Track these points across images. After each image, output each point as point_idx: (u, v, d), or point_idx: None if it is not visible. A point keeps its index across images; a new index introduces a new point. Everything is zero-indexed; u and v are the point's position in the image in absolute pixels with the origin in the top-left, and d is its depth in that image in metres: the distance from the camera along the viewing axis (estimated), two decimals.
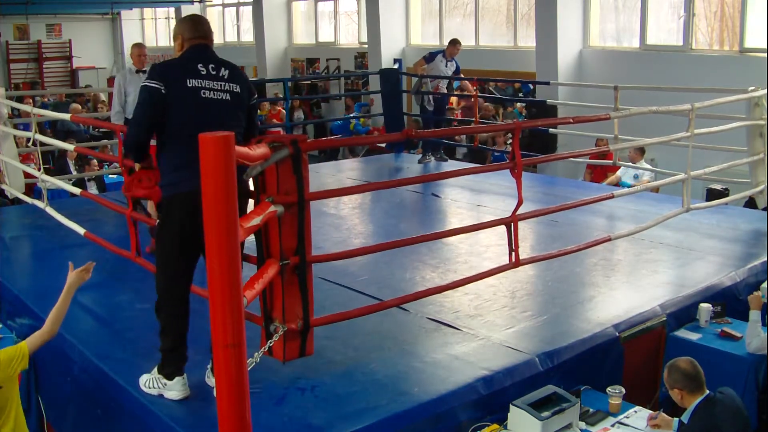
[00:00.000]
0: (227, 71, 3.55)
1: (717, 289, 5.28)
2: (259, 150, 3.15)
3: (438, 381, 3.85)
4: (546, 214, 5.42)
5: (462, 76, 10.03)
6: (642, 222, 5.96)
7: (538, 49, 12.53)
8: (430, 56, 9.78)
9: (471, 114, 11.12)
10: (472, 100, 10.31)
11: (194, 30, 3.65)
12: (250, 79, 18.42)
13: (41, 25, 23.37)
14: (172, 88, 3.44)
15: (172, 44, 3.77)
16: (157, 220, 3.59)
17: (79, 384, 4.31)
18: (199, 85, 3.46)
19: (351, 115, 15.56)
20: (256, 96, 3.76)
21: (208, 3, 21.64)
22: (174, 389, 3.62)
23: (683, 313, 4.99)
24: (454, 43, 9.80)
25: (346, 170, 9.82)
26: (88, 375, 4.19)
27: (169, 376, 3.63)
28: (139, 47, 7.02)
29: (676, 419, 3.87)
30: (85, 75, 23.01)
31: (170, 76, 3.46)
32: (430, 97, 9.70)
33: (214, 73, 3.51)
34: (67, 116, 6.26)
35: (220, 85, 3.51)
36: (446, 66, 9.69)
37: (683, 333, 4.87)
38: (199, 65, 3.50)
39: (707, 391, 3.81)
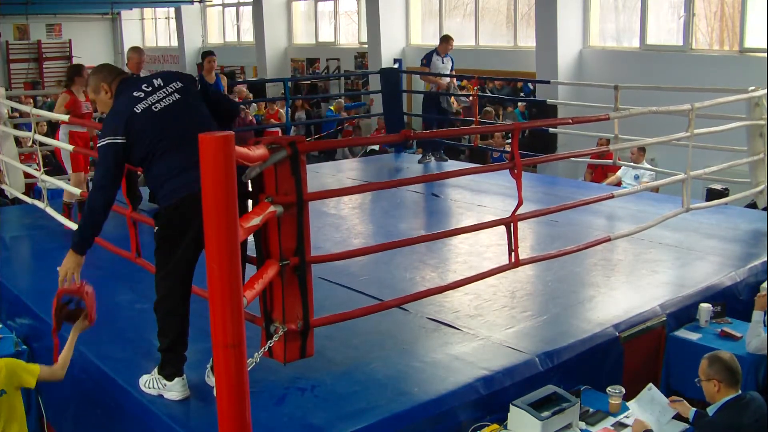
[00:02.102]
0: (159, 79, 3.63)
1: (717, 289, 5.28)
2: (258, 151, 3.15)
3: (438, 381, 3.85)
4: (546, 214, 5.42)
5: (455, 73, 10.07)
6: (642, 222, 5.96)
7: (538, 49, 12.53)
8: (427, 59, 9.83)
9: (471, 114, 11.12)
10: (471, 99, 10.31)
11: (111, 72, 3.74)
12: (250, 79, 18.42)
13: (41, 25, 23.38)
14: (128, 126, 3.47)
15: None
16: (155, 228, 3.59)
17: (79, 384, 4.31)
18: (147, 105, 3.52)
19: (339, 117, 15.60)
20: (196, 79, 3.83)
21: (208, 3, 21.64)
22: (174, 390, 3.62)
23: (683, 313, 4.99)
24: (448, 39, 9.84)
25: (346, 170, 9.82)
26: (88, 375, 4.19)
27: (169, 377, 3.63)
28: (138, 53, 6.88)
29: (693, 409, 3.88)
30: None
31: (119, 121, 3.49)
32: (447, 97, 9.76)
33: (150, 89, 3.57)
34: (65, 117, 6.26)
35: (163, 92, 3.57)
36: (443, 63, 9.74)
37: (683, 333, 4.86)
38: (134, 92, 3.56)
39: (740, 391, 3.82)
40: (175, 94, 3.57)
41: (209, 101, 3.73)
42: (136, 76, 3.77)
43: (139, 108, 3.51)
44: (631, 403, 3.96)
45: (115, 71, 3.76)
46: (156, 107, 3.52)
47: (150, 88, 3.57)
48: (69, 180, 6.55)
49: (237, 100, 14.29)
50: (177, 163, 3.45)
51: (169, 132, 3.48)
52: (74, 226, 5.83)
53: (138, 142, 3.48)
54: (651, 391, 4.03)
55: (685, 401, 3.97)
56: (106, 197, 3.52)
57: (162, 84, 3.59)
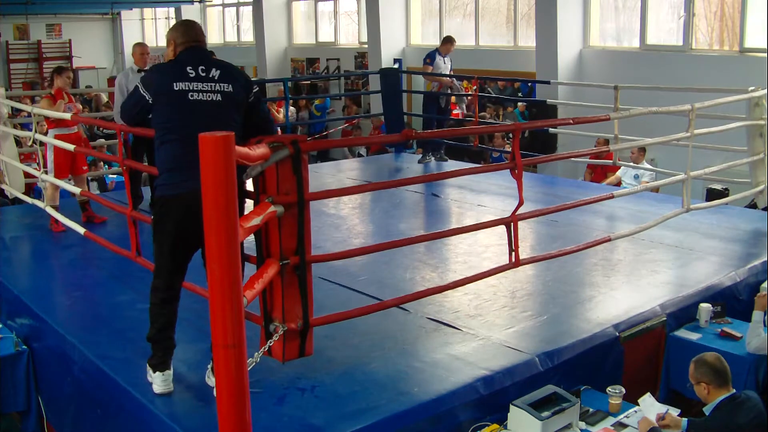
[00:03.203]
0: (218, 71, 3.58)
1: (717, 289, 5.28)
2: (259, 150, 3.15)
3: (438, 381, 3.85)
4: (546, 214, 5.42)
5: (453, 74, 10.06)
6: (642, 222, 5.96)
7: (538, 49, 12.52)
8: (431, 58, 9.84)
9: (470, 113, 11.12)
10: (470, 99, 10.30)
11: (185, 34, 3.72)
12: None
13: (41, 25, 23.34)
14: (158, 94, 3.54)
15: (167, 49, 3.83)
16: (152, 217, 3.67)
17: (79, 384, 4.31)
18: (187, 88, 3.51)
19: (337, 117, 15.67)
20: (256, 90, 3.74)
21: (208, 3, 21.62)
22: (155, 382, 3.67)
23: (683, 313, 4.99)
24: (451, 41, 9.88)
25: (346, 170, 9.82)
26: (88, 375, 4.19)
27: (154, 368, 3.68)
28: (141, 46, 7.05)
29: (684, 419, 3.87)
30: (85, 75, 23.01)
31: (157, 82, 3.56)
32: (445, 98, 9.79)
33: (203, 74, 3.55)
34: (67, 116, 6.25)
35: (210, 86, 3.54)
36: (445, 63, 9.78)
37: (683, 333, 4.87)
38: (189, 68, 3.56)
39: (733, 390, 3.81)
40: (219, 95, 3.54)
41: (251, 118, 3.67)
42: (203, 52, 3.71)
43: (178, 86, 3.51)
44: (641, 400, 3.97)
45: (191, 36, 3.71)
46: (192, 96, 3.51)
47: (204, 74, 3.55)
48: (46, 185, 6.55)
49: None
50: (182, 157, 3.46)
51: (189, 125, 3.43)
52: (74, 226, 5.84)
53: (158, 112, 3.54)
54: (650, 398, 4.02)
55: (674, 415, 3.94)
56: (127, 122, 3.84)
57: (215, 78, 3.56)
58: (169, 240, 3.56)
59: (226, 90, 3.56)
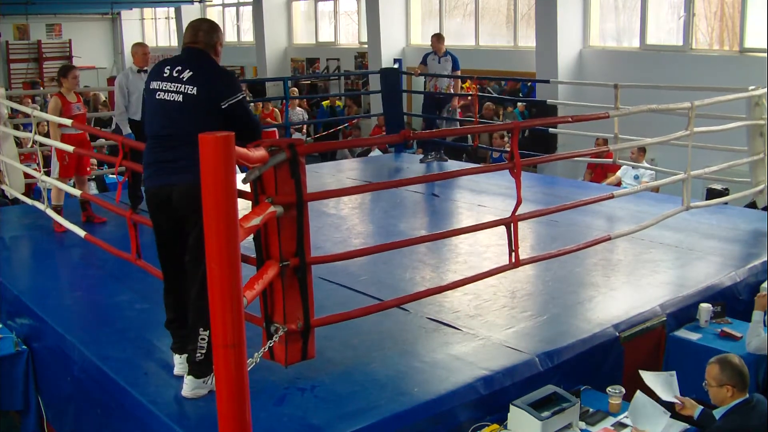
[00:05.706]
0: (191, 73, 3.54)
1: (717, 289, 5.28)
2: (258, 153, 3.15)
3: (438, 381, 3.85)
4: (546, 214, 5.42)
5: (459, 73, 10.02)
6: (642, 222, 5.95)
7: (538, 49, 12.53)
8: (423, 59, 9.84)
9: (470, 113, 11.12)
10: (470, 98, 10.29)
11: (185, 36, 3.79)
12: (250, 78, 18.24)
13: (41, 25, 23.37)
14: (145, 91, 3.71)
15: (172, 44, 3.86)
16: None
17: (79, 384, 4.31)
18: (157, 87, 3.58)
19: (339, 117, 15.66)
20: (234, 101, 3.54)
21: (208, 3, 21.62)
22: (175, 363, 3.82)
23: (683, 313, 4.99)
24: (434, 37, 9.85)
25: (346, 170, 9.82)
26: (88, 375, 4.19)
27: (173, 351, 3.84)
28: (142, 46, 7.04)
29: (699, 407, 3.87)
30: (85, 75, 22.96)
31: (147, 80, 3.71)
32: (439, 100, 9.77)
33: (176, 75, 3.56)
34: (68, 122, 6.24)
35: (175, 86, 3.54)
36: (440, 63, 9.70)
37: (683, 333, 4.86)
38: (167, 67, 3.60)
39: (748, 394, 3.80)
40: (180, 95, 3.53)
41: (229, 126, 3.45)
42: (190, 53, 3.67)
43: (152, 84, 3.61)
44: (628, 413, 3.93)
45: (186, 38, 3.72)
46: (159, 95, 3.57)
47: (176, 75, 3.55)
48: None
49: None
50: (148, 155, 3.63)
51: (152, 124, 3.62)
52: (74, 228, 5.84)
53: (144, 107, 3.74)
54: (642, 397, 3.98)
55: (692, 400, 3.94)
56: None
57: (184, 79, 3.53)
58: (154, 228, 3.73)
59: (189, 92, 3.51)
